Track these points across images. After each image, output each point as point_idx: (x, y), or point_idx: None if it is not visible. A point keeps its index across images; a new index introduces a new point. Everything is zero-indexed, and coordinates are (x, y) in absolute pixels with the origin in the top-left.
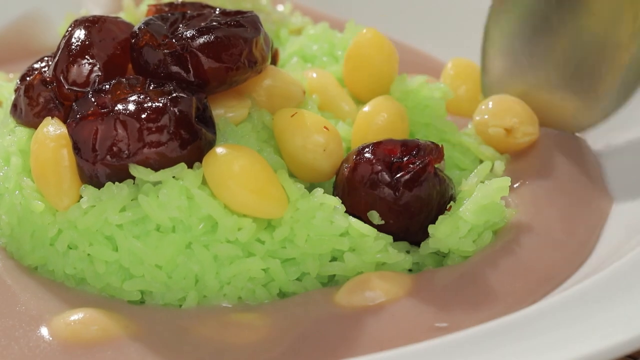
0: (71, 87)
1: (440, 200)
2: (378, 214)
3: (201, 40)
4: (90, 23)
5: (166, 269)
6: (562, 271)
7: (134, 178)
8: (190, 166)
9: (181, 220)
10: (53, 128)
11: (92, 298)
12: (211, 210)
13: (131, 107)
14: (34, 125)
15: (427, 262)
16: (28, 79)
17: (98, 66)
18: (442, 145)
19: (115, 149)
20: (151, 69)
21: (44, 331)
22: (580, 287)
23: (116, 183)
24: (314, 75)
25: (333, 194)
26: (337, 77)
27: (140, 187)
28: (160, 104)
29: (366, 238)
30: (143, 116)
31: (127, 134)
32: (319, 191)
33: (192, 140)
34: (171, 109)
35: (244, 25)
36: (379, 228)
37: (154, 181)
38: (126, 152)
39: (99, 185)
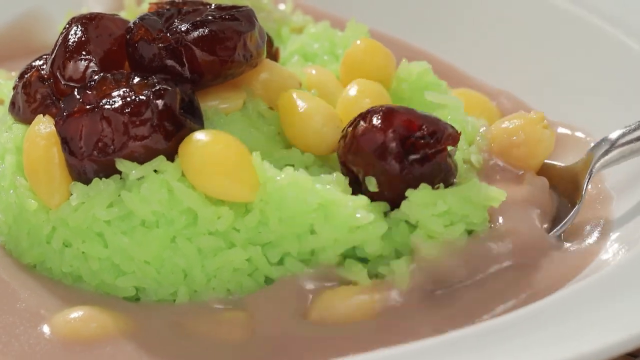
0: (67, 83)
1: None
2: (376, 182)
3: (195, 33)
4: (87, 20)
5: (154, 264)
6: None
7: (121, 173)
8: (173, 158)
9: (163, 214)
10: (44, 126)
11: (89, 295)
12: (190, 201)
13: (115, 102)
14: (31, 122)
15: (397, 230)
16: (26, 76)
17: (94, 62)
18: (460, 132)
19: (101, 144)
20: (146, 64)
21: (44, 328)
22: (579, 286)
23: (103, 179)
24: (313, 71)
25: (338, 143)
26: (338, 76)
27: (125, 182)
28: (144, 97)
29: (336, 202)
30: (126, 110)
31: (111, 129)
32: (288, 170)
33: (176, 132)
34: (154, 101)
35: (238, 19)
36: (372, 194)
37: (137, 176)
38: (112, 147)
39: (87, 181)
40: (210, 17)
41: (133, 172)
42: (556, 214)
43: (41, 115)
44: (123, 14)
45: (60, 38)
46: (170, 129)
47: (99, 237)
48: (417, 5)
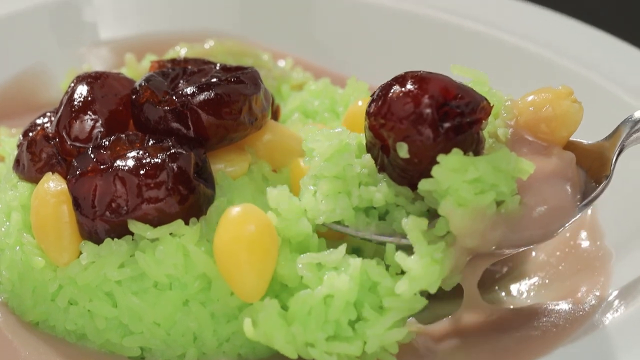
0: (73, 143)
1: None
2: (407, 148)
3: (201, 97)
4: (93, 79)
5: (164, 326)
6: None
7: (132, 234)
8: (187, 222)
9: (177, 278)
10: (54, 184)
11: (93, 354)
12: (206, 268)
13: (130, 163)
14: (37, 181)
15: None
16: (31, 134)
17: (100, 122)
18: (492, 105)
19: (114, 205)
20: (152, 126)
21: None
22: (577, 344)
23: (115, 239)
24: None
25: (369, 105)
26: None
27: (139, 243)
28: (159, 160)
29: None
30: (142, 172)
31: (125, 190)
32: (329, 279)
33: (190, 196)
34: (169, 165)
35: (244, 82)
36: (401, 160)
37: (152, 238)
38: (125, 208)
39: (98, 241)
40: (215, 80)
41: (148, 233)
42: (583, 190)
43: (50, 172)
44: (124, 71)
45: (66, 97)
46: (184, 193)
47: (108, 297)
48: (417, 63)
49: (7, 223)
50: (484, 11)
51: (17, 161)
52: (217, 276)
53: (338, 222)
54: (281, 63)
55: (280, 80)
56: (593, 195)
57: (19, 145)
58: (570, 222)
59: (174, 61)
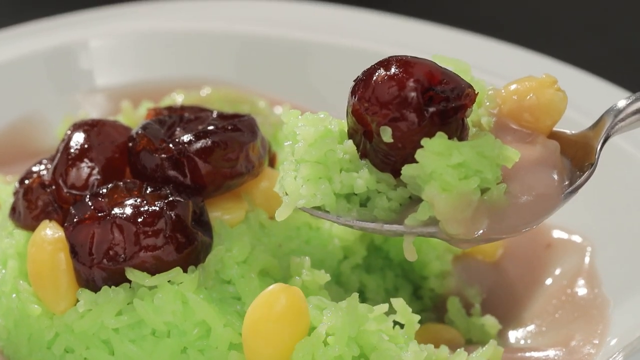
0: (70, 191)
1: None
2: (391, 132)
3: (198, 145)
4: (89, 126)
5: None
6: None
7: (130, 281)
8: (185, 270)
9: (176, 325)
10: (50, 231)
11: None
12: (205, 316)
13: (128, 210)
14: (33, 229)
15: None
16: (27, 182)
17: (97, 170)
18: (477, 92)
19: (111, 252)
20: (149, 173)
21: None
22: None
23: (112, 287)
24: None
25: (352, 90)
26: None
27: (136, 291)
28: (157, 208)
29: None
30: (139, 220)
31: (123, 238)
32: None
33: (188, 244)
34: (167, 212)
35: (241, 129)
36: (384, 145)
37: (150, 285)
38: (122, 255)
39: (95, 288)
40: (212, 127)
41: (146, 281)
42: (568, 178)
43: (46, 220)
44: (120, 118)
45: (62, 145)
46: (182, 241)
47: (105, 344)
48: None
49: (3, 271)
50: (486, 61)
51: (13, 209)
52: (216, 324)
53: (318, 208)
54: (278, 110)
55: (277, 127)
56: (578, 182)
57: (15, 193)
58: (556, 209)
59: (170, 109)
